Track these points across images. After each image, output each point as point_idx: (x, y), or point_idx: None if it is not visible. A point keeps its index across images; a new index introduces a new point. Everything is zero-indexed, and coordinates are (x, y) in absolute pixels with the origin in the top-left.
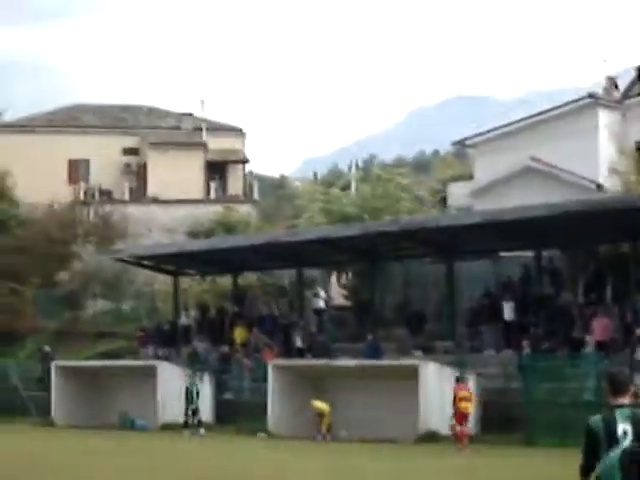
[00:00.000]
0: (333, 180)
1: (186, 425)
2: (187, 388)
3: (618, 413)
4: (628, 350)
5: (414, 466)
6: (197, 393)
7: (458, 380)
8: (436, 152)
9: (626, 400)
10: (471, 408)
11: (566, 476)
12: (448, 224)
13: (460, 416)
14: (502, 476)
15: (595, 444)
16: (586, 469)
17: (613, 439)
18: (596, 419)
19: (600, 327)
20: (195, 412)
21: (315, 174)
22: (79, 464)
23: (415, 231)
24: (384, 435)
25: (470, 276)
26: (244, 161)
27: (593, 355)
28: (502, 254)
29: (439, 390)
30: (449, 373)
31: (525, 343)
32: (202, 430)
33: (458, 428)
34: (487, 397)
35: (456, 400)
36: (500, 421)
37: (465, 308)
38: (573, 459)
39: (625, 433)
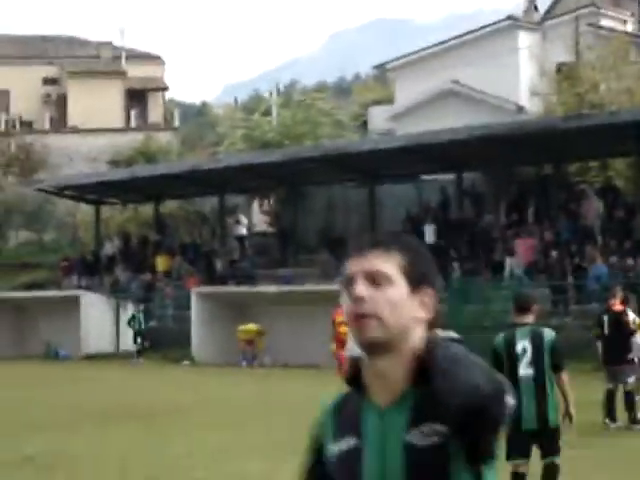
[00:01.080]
0: (254, 106)
1: (139, 353)
2: (133, 316)
3: (518, 331)
4: (549, 271)
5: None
6: (141, 321)
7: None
8: (357, 76)
9: (529, 319)
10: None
11: None
12: (369, 148)
13: (339, 341)
14: None
15: (498, 362)
16: None
17: (513, 356)
18: (499, 338)
19: (524, 248)
20: (140, 339)
21: (236, 100)
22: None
23: (336, 156)
24: (308, 361)
25: (392, 200)
26: (164, 89)
27: (517, 277)
28: (423, 177)
29: None
30: None
31: (455, 265)
32: (141, 359)
33: (339, 353)
34: None
35: (335, 325)
36: None
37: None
38: None
39: (524, 350)
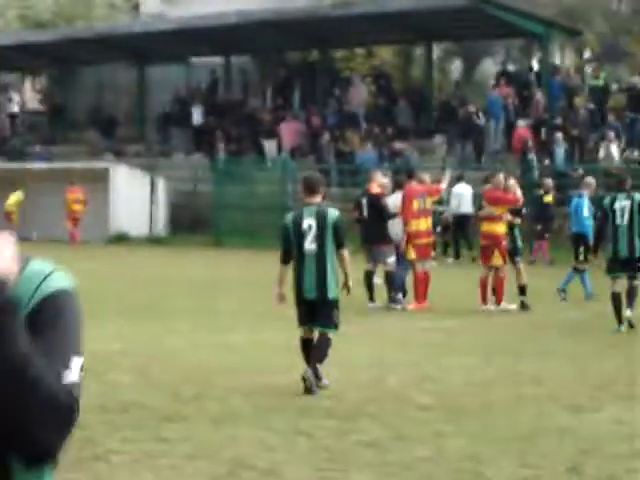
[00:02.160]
0: None
1: None
2: None
3: (305, 210)
4: (315, 155)
5: (107, 266)
6: None
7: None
8: None
9: (317, 199)
10: (83, 211)
11: (252, 275)
12: (140, 30)
13: (72, 219)
14: (193, 276)
15: (287, 237)
16: (284, 258)
17: (300, 231)
18: (289, 215)
19: (289, 132)
20: None
21: None
22: None
23: (108, 37)
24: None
25: (161, 81)
26: None
27: (282, 159)
28: (193, 60)
29: (129, 193)
30: (139, 176)
31: (221, 147)
32: None
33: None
34: (177, 200)
35: (67, 203)
36: (190, 223)
37: (156, 113)
38: (259, 260)
39: (310, 227)
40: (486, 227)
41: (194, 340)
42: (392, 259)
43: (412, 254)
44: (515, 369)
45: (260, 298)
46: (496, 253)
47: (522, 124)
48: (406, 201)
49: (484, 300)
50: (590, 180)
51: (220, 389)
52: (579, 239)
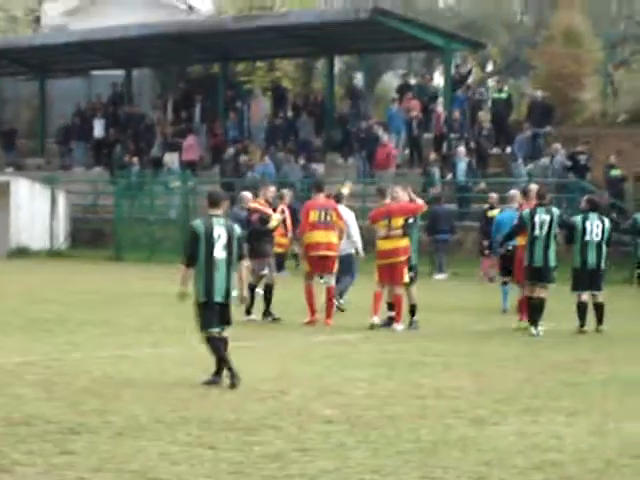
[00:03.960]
0: None
1: None
2: None
3: (215, 220)
4: (217, 168)
5: (7, 280)
6: None
7: None
8: None
9: (219, 212)
10: None
11: (153, 289)
12: (41, 43)
13: None
14: (94, 289)
15: (197, 242)
16: (189, 262)
17: (211, 238)
18: (198, 222)
19: (188, 146)
20: None
21: None
22: None
23: (8, 49)
24: None
25: (62, 94)
26: None
27: (181, 174)
28: (95, 73)
29: (30, 206)
30: (40, 189)
31: (133, 160)
32: None
33: None
34: (77, 214)
35: None
36: (89, 237)
37: (57, 126)
38: (159, 274)
39: (219, 236)
40: (388, 244)
41: (96, 353)
42: (266, 271)
43: (306, 266)
44: (417, 381)
45: (162, 312)
46: (404, 270)
47: (385, 140)
48: (303, 213)
49: (376, 312)
50: (514, 193)
51: (124, 402)
52: (506, 254)
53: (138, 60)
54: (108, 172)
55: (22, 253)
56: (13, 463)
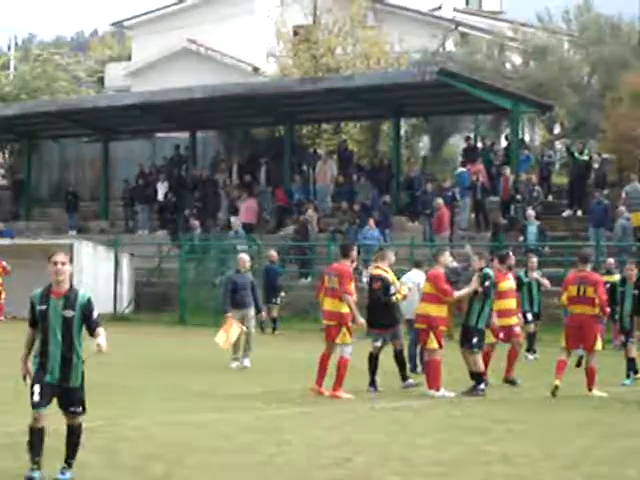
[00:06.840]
0: None
1: None
2: None
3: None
4: (282, 231)
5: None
6: None
7: None
8: (95, 32)
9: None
10: None
11: (217, 354)
12: (105, 105)
13: None
14: (156, 354)
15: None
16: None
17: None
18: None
19: (247, 208)
20: None
21: None
22: None
23: (72, 111)
24: None
25: (126, 156)
26: None
27: (247, 237)
28: (158, 135)
29: (93, 269)
30: (103, 253)
31: (195, 224)
32: None
33: None
34: (141, 277)
35: None
36: (153, 301)
37: (120, 188)
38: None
39: None
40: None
41: (161, 418)
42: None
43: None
44: (483, 448)
45: (226, 378)
46: (431, 336)
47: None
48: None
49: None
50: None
51: (188, 468)
52: None
53: (202, 122)
54: (171, 235)
55: None
56: None
